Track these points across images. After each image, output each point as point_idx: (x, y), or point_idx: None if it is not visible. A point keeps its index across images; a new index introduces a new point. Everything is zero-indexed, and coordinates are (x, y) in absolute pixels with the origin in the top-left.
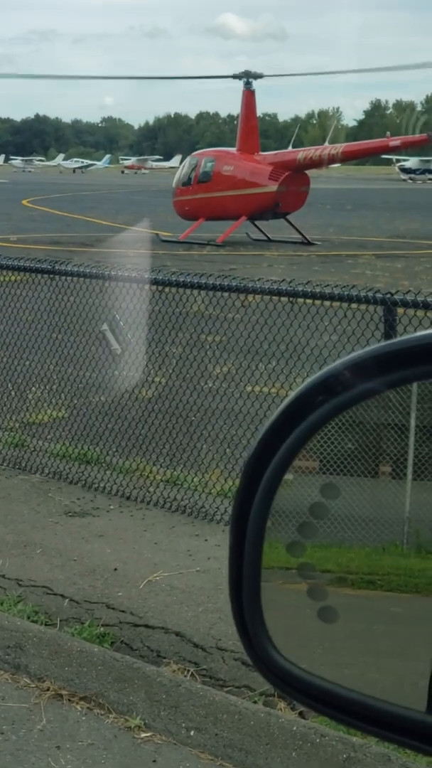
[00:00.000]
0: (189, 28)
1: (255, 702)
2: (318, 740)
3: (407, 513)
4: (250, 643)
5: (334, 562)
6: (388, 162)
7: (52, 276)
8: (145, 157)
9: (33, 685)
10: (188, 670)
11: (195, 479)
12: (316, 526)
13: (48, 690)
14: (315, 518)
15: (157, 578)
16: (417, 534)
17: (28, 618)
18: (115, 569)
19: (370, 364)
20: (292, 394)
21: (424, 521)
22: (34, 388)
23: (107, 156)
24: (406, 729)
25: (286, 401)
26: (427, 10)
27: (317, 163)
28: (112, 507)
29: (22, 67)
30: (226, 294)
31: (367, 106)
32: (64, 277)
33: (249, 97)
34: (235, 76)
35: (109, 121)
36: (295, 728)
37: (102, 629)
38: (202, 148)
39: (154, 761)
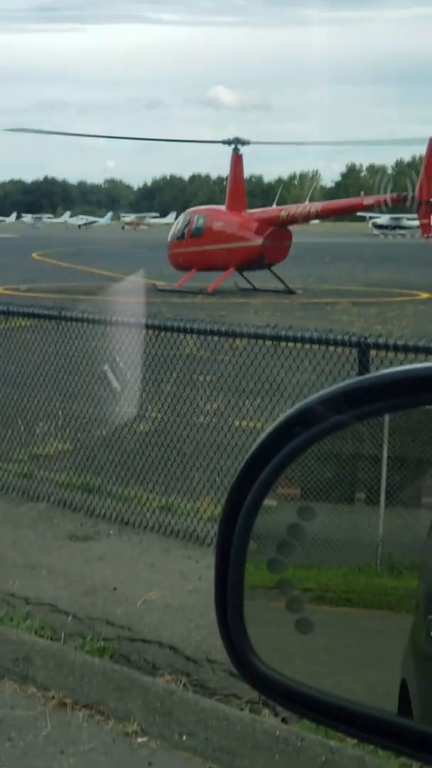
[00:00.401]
0: (183, 100)
1: (242, 709)
2: (299, 743)
3: (380, 536)
4: (235, 653)
5: (314, 581)
6: (363, 219)
7: (58, 321)
8: (144, 214)
9: (39, 694)
10: (181, 680)
11: (188, 506)
12: (293, 544)
13: (53, 699)
14: (292, 538)
15: (153, 597)
16: (389, 556)
17: (36, 633)
18: (115, 589)
19: (341, 399)
20: (271, 426)
21: (396, 544)
22: (41, 423)
23: (109, 213)
24: (380, 730)
25: (265, 432)
26: (397, 85)
27: (299, 219)
28: (111, 532)
29: (33, 134)
30: (215, 338)
31: (343, 168)
32: (69, 323)
33: (237, 160)
34: (224, 142)
35: (111, 182)
36: (278, 732)
37: (102, 643)
38: (194, 206)
39: (150, 764)
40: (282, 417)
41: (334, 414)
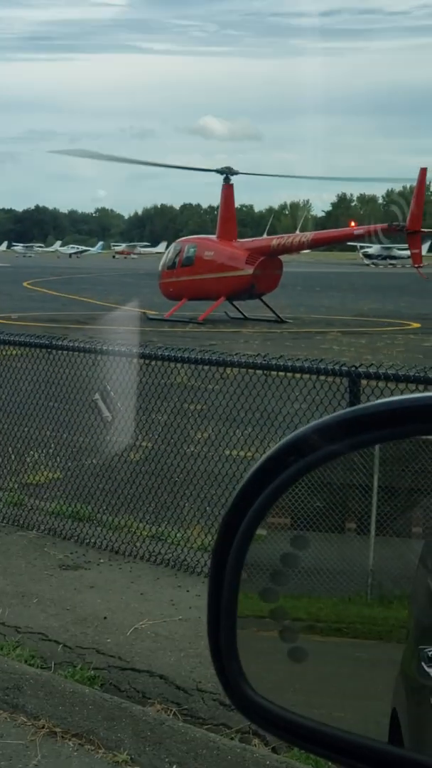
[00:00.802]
0: (174, 129)
1: (232, 738)
2: None
3: (371, 566)
4: (227, 682)
5: (305, 611)
6: (353, 248)
7: (49, 350)
8: (134, 243)
9: (29, 723)
10: (171, 710)
11: (178, 535)
12: (287, 574)
13: (43, 728)
14: (286, 567)
15: (143, 626)
16: (380, 586)
17: (26, 662)
18: (105, 618)
19: (336, 428)
20: (265, 455)
21: (386, 574)
22: (32, 452)
23: (100, 243)
24: (371, 759)
25: (259, 461)
26: (389, 116)
27: (289, 249)
28: (102, 561)
29: (24, 163)
30: (206, 367)
31: (334, 198)
32: (60, 351)
33: (228, 190)
34: (217, 171)
35: (102, 211)
36: (268, 762)
37: (92, 672)
38: (185, 236)
39: None
40: (276, 446)
41: (328, 444)
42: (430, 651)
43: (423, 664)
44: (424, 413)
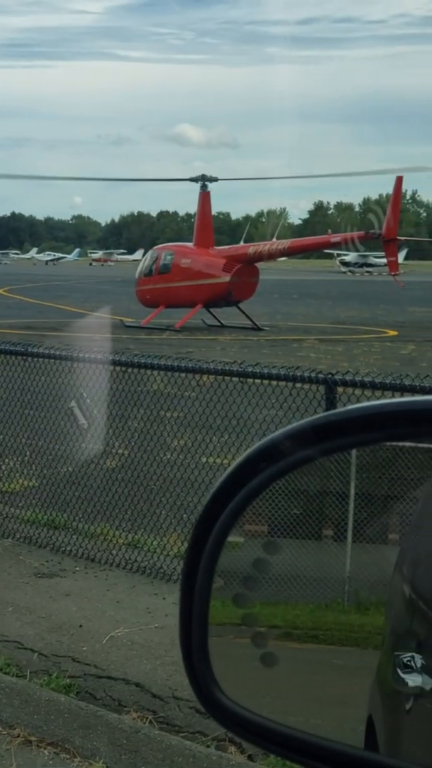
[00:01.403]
0: (150, 137)
1: (208, 746)
2: None
3: (348, 573)
4: (200, 688)
5: (282, 618)
6: (330, 256)
7: (24, 357)
8: (111, 251)
9: (4, 732)
10: (147, 718)
11: (154, 542)
12: (258, 579)
13: (18, 736)
14: (258, 572)
15: (119, 634)
16: (356, 592)
17: (1, 670)
18: (80, 626)
19: (307, 434)
20: (237, 461)
21: (363, 581)
22: (7, 460)
23: (77, 250)
24: (347, 765)
25: (231, 467)
26: (365, 123)
27: (266, 256)
28: (77, 568)
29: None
30: (183, 374)
31: (311, 206)
32: (35, 359)
33: (205, 197)
34: (192, 180)
35: (78, 218)
36: None
37: (68, 680)
38: (162, 243)
39: None
40: (247, 452)
41: (300, 449)
42: (405, 657)
43: (398, 670)
44: (395, 419)
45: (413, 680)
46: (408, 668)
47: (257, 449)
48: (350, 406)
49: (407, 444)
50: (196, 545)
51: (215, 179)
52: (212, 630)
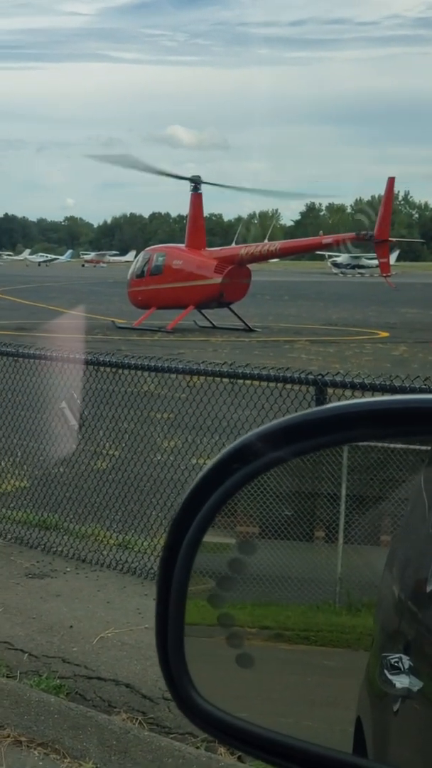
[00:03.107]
0: (141, 138)
1: (198, 747)
2: None
3: (339, 574)
4: (176, 690)
5: (272, 619)
6: (322, 258)
7: (16, 359)
8: (104, 252)
9: None
10: (137, 719)
11: (145, 543)
12: (234, 579)
13: (8, 737)
14: (233, 572)
15: (109, 635)
16: (348, 594)
17: None
18: (71, 626)
19: (278, 435)
20: (210, 463)
21: (354, 582)
22: None
23: (69, 251)
24: (320, 765)
25: (204, 469)
26: (356, 125)
27: (258, 258)
28: (68, 569)
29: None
30: (174, 375)
31: (302, 208)
32: (27, 360)
33: (196, 199)
34: (187, 179)
35: (71, 220)
36: None
37: (58, 681)
38: (154, 245)
39: None
40: (220, 454)
41: (272, 450)
42: (392, 659)
43: (386, 671)
44: (365, 418)
45: (401, 682)
46: (395, 669)
47: (229, 451)
48: (321, 407)
49: (386, 444)
50: (171, 547)
51: (207, 182)
52: (187, 630)
